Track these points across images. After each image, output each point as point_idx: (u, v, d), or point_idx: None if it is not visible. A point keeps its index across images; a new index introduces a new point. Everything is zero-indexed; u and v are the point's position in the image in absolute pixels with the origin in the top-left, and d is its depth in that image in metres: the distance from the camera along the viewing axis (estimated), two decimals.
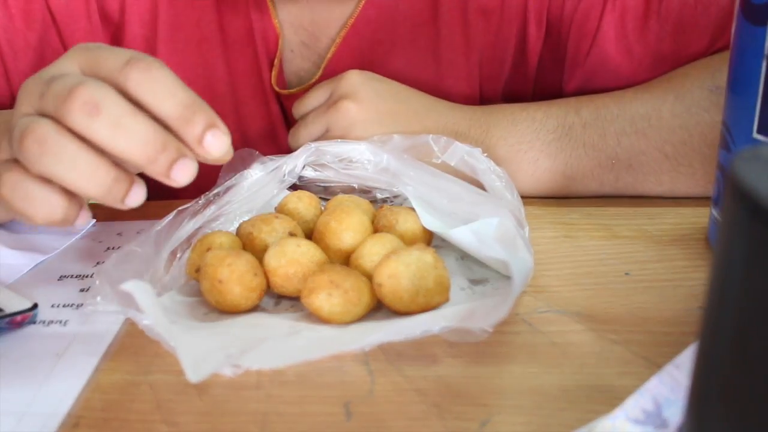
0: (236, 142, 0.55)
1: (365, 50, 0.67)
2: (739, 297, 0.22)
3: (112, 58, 0.36)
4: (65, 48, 0.64)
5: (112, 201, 0.35)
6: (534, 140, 0.59)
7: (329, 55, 0.67)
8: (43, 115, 0.35)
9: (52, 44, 0.64)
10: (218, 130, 0.36)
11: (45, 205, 0.35)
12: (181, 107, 0.35)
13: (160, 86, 0.35)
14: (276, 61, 0.67)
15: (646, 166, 0.58)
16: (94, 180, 0.34)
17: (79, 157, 0.34)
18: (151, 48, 0.65)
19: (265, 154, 0.53)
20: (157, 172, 0.35)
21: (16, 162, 0.36)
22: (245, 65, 0.67)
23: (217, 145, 0.36)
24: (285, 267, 0.43)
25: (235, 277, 0.42)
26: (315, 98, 0.63)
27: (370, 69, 0.64)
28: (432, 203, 0.49)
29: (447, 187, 0.50)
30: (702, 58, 0.63)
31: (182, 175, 0.35)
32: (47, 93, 0.35)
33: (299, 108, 0.64)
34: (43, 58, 0.64)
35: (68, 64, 0.37)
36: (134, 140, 0.34)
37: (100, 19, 0.64)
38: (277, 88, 0.68)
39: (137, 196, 0.35)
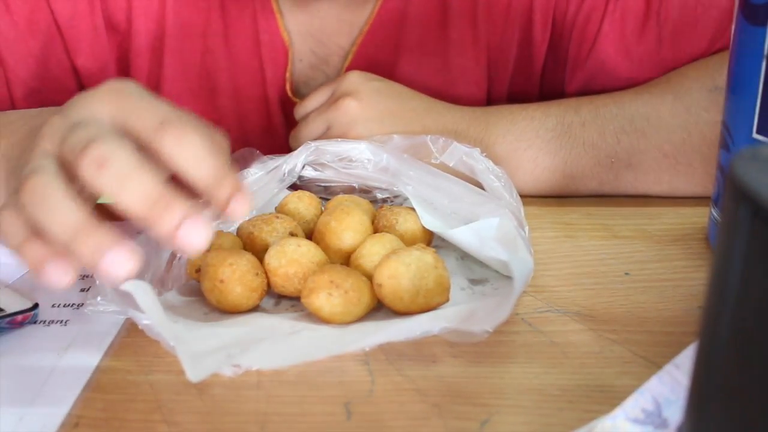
0: (237, 149, 0.55)
1: (379, 55, 0.67)
2: (739, 296, 0.22)
3: (148, 114, 0.36)
4: (70, 57, 0.64)
5: (87, 257, 0.34)
6: (533, 138, 0.59)
7: (347, 64, 0.67)
8: (62, 158, 0.35)
9: (55, 53, 0.64)
10: (241, 196, 0.37)
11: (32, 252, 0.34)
12: (212, 175, 0.35)
13: (193, 154, 0.35)
14: (287, 74, 0.67)
15: (646, 164, 0.58)
16: (84, 244, 0.34)
17: (71, 218, 0.34)
18: (157, 57, 0.65)
19: None
20: (163, 232, 0.34)
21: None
22: (251, 75, 0.67)
23: (240, 210, 0.37)
24: (285, 267, 0.43)
25: (236, 276, 0.42)
26: (316, 99, 0.63)
27: (383, 72, 0.64)
28: (432, 203, 0.49)
29: (447, 187, 0.50)
30: (701, 58, 0.63)
31: (190, 237, 0.34)
32: (68, 139, 0.35)
33: (300, 109, 0.64)
34: (45, 67, 0.64)
35: (99, 108, 0.37)
36: (137, 196, 0.33)
37: (105, 29, 0.64)
38: (294, 98, 0.68)
39: (119, 259, 0.34)
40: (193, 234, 0.34)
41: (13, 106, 0.63)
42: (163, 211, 0.34)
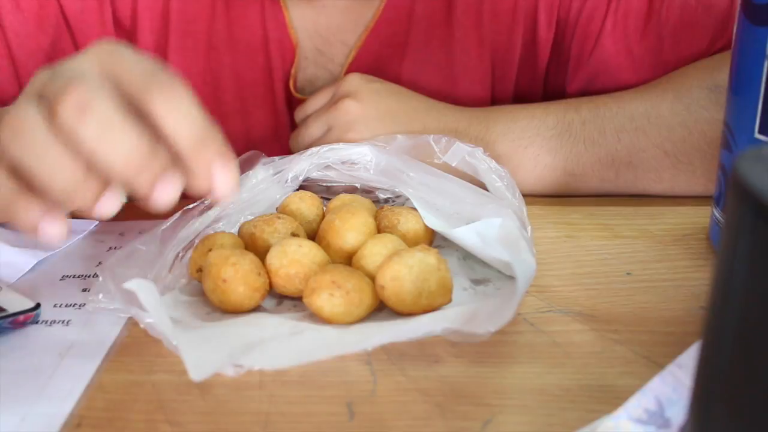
0: (242, 149, 0.55)
1: (383, 52, 0.67)
2: (743, 296, 0.22)
3: (136, 69, 0.35)
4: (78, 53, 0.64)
5: (80, 204, 0.33)
6: (534, 136, 0.59)
7: (350, 60, 0.67)
8: (44, 101, 0.33)
9: (64, 49, 0.64)
10: (228, 164, 0.35)
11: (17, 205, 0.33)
12: (197, 136, 0.34)
13: (181, 112, 0.34)
14: (293, 70, 0.67)
15: (646, 163, 0.58)
16: (61, 174, 0.32)
17: (50, 149, 0.32)
18: (161, 54, 0.65)
19: None
20: (139, 186, 0.33)
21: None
22: (256, 72, 0.67)
23: (224, 179, 0.35)
24: (286, 267, 0.43)
25: (239, 276, 0.42)
26: (316, 101, 0.63)
27: (387, 70, 0.64)
28: (434, 204, 0.49)
29: (449, 188, 0.50)
30: (702, 58, 0.63)
31: (165, 193, 0.33)
32: (49, 83, 0.33)
33: (300, 112, 0.64)
34: (55, 63, 0.64)
35: (88, 62, 0.35)
36: (120, 147, 0.32)
37: (113, 25, 0.64)
38: (297, 95, 0.67)
39: (109, 204, 0.33)
40: (165, 191, 0.33)
41: None
42: (144, 167, 0.32)
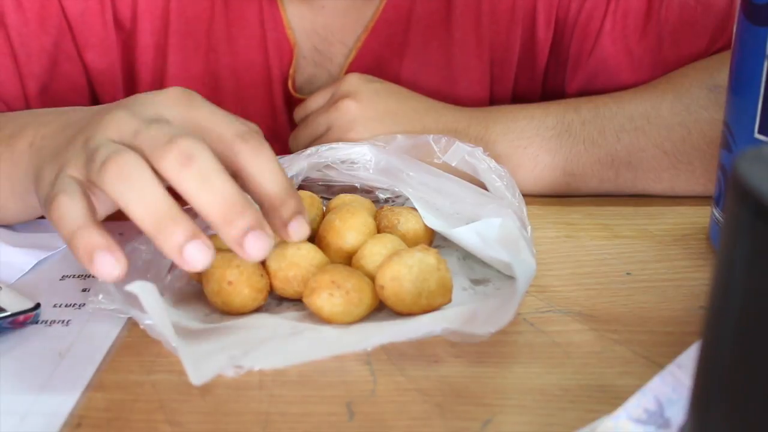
0: None
1: (383, 53, 0.67)
2: (742, 296, 0.22)
3: (222, 124, 0.38)
4: (79, 53, 0.64)
5: (167, 245, 0.35)
6: (533, 136, 0.59)
7: (350, 60, 0.67)
8: (138, 149, 0.37)
9: (66, 49, 0.64)
10: (303, 218, 0.39)
11: (87, 237, 0.35)
12: (281, 190, 0.38)
13: (268, 167, 0.37)
14: (292, 70, 0.67)
15: (646, 163, 0.58)
16: (155, 212, 0.35)
17: (146, 189, 0.35)
18: (161, 55, 0.65)
19: None
20: (231, 236, 0.36)
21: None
22: (254, 72, 0.67)
23: (299, 233, 0.39)
24: (285, 270, 0.43)
25: (244, 278, 0.42)
26: (315, 101, 0.63)
27: (386, 71, 0.64)
28: (434, 204, 0.49)
29: (449, 188, 0.50)
30: (702, 58, 0.63)
31: (255, 246, 0.36)
32: (144, 133, 0.36)
33: (300, 112, 0.64)
34: (56, 63, 0.64)
35: (169, 110, 0.39)
36: (217, 197, 0.35)
37: (114, 26, 0.64)
38: (296, 94, 0.68)
39: (198, 249, 0.35)
40: (257, 243, 0.36)
41: (26, 102, 0.63)
42: (237, 215, 0.35)
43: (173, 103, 0.39)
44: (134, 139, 0.37)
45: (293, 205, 0.38)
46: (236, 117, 0.40)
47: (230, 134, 0.38)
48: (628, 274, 0.47)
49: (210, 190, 0.35)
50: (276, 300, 0.45)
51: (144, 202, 0.35)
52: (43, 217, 0.55)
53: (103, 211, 0.39)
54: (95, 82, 0.66)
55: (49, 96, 0.64)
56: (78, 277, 0.49)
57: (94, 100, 0.68)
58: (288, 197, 0.38)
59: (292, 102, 0.68)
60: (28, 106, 0.64)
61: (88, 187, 0.38)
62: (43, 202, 0.40)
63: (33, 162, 0.45)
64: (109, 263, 0.35)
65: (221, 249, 0.44)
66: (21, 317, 0.43)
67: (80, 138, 0.39)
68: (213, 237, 0.46)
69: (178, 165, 0.35)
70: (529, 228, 0.47)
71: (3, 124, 0.51)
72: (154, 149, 0.36)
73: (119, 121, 0.38)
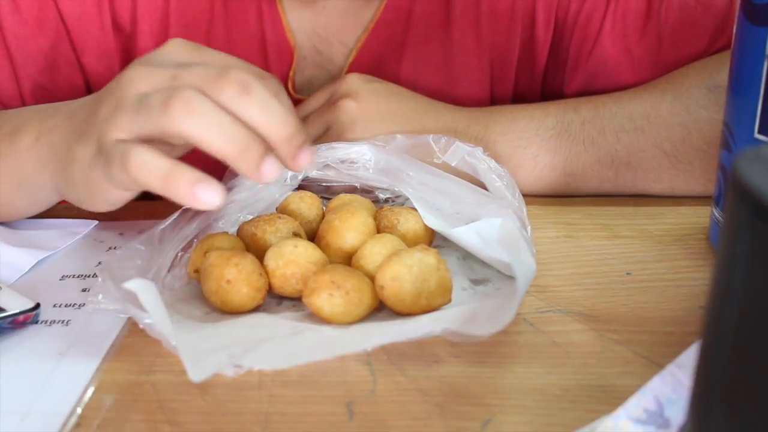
0: None
1: (383, 53, 0.67)
2: (742, 296, 0.22)
3: (231, 63, 0.42)
4: (77, 56, 0.64)
5: (249, 164, 0.38)
6: (533, 136, 0.59)
7: (350, 60, 0.67)
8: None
9: (63, 52, 0.64)
10: (309, 149, 0.41)
11: (184, 173, 0.37)
12: (289, 132, 0.39)
13: (276, 116, 0.39)
14: (291, 73, 0.67)
15: (645, 163, 0.58)
16: (233, 137, 0.37)
17: (220, 117, 0.37)
18: None
19: None
20: (289, 152, 0.39)
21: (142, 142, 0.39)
22: None
23: (305, 161, 0.41)
24: (283, 268, 0.43)
25: (243, 277, 0.42)
26: (315, 101, 0.63)
27: (386, 71, 0.64)
28: (434, 204, 0.49)
29: (449, 188, 0.50)
30: (701, 58, 0.63)
31: (306, 159, 0.40)
32: (186, 74, 0.39)
33: (300, 112, 0.64)
34: (54, 65, 0.64)
35: (183, 56, 0.41)
36: (278, 119, 0.38)
37: (112, 29, 0.64)
38: (296, 95, 0.67)
39: (272, 166, 0.38)
40: (308, 157, 0.40)
41: (22, 102, 0.64)
42: (295, 133, 0.39)
43: (183, 51, 0.42)
44: (175, 82, 0.39)
45: (298, 140, 0.40)
46: (234, 58, 0.43)
47: (236, 87, 0.40)
48: (628, 274, 0.47)
49: (271, 113, 0.38)
50: (276, 299, 0.45)
51: (221, 130, 0.37)
52: (43, 216, 0.55)
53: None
54: (93, 85, 0.66)
55: (46, 98, 0.64)
56: (78, 277, 0.49)
57: None
58: (294, 135, 0.40)
59: (292, 102, 0.68)
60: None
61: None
62: (86, 178, 0.41)
63: (46, 154, 0.46)
64: (211, 191, 0.37)
65: (220, 248, 0.44)
66: (21, 317, 0.43)
67: (105, 106, 0.40)
68: (213, 236, 0.46)
69: (238, 94, 0.38)
70: (529, 228, 0.47)
71: (2, 122, 0.51)
72: (208, 84, 0.38)
73: (146, 74, 0.40)
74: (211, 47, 0.65)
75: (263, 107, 0.38)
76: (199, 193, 0.37)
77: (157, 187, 0.37)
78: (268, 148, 0.39)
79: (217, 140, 0.37)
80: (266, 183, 0.39)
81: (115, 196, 0.42)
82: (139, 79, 0.40)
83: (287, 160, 0.40)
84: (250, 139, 0.38)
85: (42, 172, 0.47)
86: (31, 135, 0.47)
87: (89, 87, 0.66)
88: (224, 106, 0.38)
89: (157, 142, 0.39)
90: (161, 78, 0.39)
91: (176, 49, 0.42)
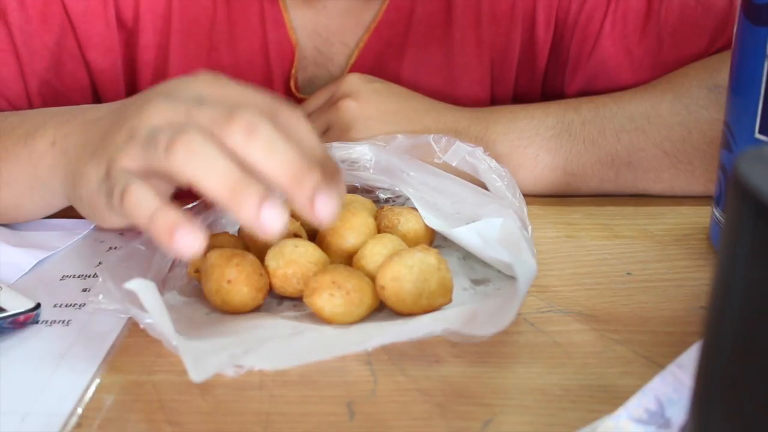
0: None
1: (384, 53, 0.67)
2: (743, 296, 0.22)
3: (256, 100, 0.40)
4: (82, 52, 0.64)
5: (245, 210, 0.36)
6: (534, 136, 0.59)
7: (352, 60, 0.67)
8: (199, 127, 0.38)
9: (68, 47, 0.64)
10: (327, 195, 0.38)
11: (166, 217, 0.36)
12: (290, 175, 0.37)
13: (279, 159, 0.37)
14: (293, 70, 0.67)
15: (646, 162, 0.58)
16: (229, 182, 0.36)
17: (218, 162, 0.36)
18: (162, 55, 0.65)
19: None
20: (302, 198, 0.36)
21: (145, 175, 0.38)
22: (256, 72, 0.67)
23: (326, 211, 0.38)
24: (283, 268, 0.43)
25: (243, 277, 0.42)
26: (315, 101, 0.63)
27: (387, 71, 0.64)
28: (435, 204, 0.49)
29: (450, 188, 0.50)
30: (702, 58, 0.63)
31: (325, 207, 0.36)
32: (198, 113, 0.38)
33: (300, 111, 0.64)
34: (59, 61, 0.64)
35: (204, 90, 0.40)
36: (285, 162, 0.36)
37: (116, 24, 0.64)
38: (298, 94, 0.68)
39: (273, 213, 0.36)
40: (328, 202, 0.37)
41: (29, 99, 0.63)
42: (306, 177, 0.37)
43: (206, 85, 0.41)
44: (188, 120, 0.38)
45: (308, 185, 0.38)
46: (257, 93, 0.41)
47: (266, 109, 0.40)
48: (628, 274, 0.47)
49: (278, 156, 0.37)
50: (276, 299, 0.45)
51: (217, 174, 0.36)
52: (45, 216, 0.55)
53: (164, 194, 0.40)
54: (97, 81, 0.66)
55: (52, 95, 0.65)
56: (78, 277, 0.49)
57: (97, 99, 0.68)
58: (300, 179, 0.38)
59: (293, 101, 0.68)
60: (30, 103, 0.64)
61: (146, 175, 0.39)
62: (91, 198, 0.41)
63: (59, 162, 0.46)
64: (189, 238, 0.36)
65: (221, 247, 0.44)
66: (21, 317, 0.43)
67: (121, 131, 0.40)
68: (213, 236, 0.46)
69: (244, 136, 0.37)
70: (529, 228, 0.47)
71: (17, 123, 0.51)
72: (216, 125, 0.37)
73: (163, 107, 0.39)
74: (213, 44, 0.66)
75: (267, 149, 0.37)
76: (177, 238, 0.36)
77: (142, 225, 0.37)
78: (270, 194, 0.37)
79: (212, 184, 0.36)
80: (270, 234, 0.36)
81: (113, 221, 0.42)
82: (157, 111, 0.40)
83: (304, 207, 0.37)
84: (246, 184, 0.36)
85: (54, 177, 0.47)
86: (47, 140, 0.47)
87: (93, 83, 0.66)
88: (231, 149, 0.37)
89: (162, 175, 0.39)
90: (175, 114, 0.39)
91: (201, 82, 0.42)
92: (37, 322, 0.43)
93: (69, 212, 0.56)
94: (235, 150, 0.37)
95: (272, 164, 0.37)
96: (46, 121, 0.49)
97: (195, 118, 0.38)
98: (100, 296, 0.41)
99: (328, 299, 0.41)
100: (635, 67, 0.65)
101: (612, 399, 0.35)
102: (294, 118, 0.39)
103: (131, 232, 0.55)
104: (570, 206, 0.58)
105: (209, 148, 0.36)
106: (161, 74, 0.66)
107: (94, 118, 0.46)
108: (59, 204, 0.51)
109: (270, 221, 0.36)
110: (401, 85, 0.64)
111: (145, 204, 0.37)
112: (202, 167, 0.36)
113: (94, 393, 0.37)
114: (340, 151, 0.53)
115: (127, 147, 0.39)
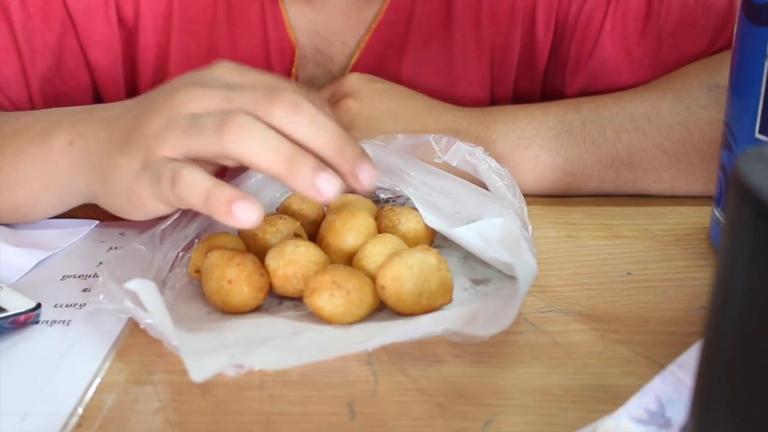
0: None
1: (384, 53, 0.67)
2: (743, 296, 0.22)
3: (275, 84, 0.44)
4: (82, 50, 0.64)
5: (302, 180, 0.39)
6: (534, 136, 0.59)
7: (353, 60, 0.67)
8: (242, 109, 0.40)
9: (69, 45, 0.64)
10: (367, 165, 0.41)
11: (223, 193, 0.39)
12: (336, 150, 0.41)
13: (327, 136, 0.41)
14: (293, 70, 0.67)
15: (646, 162, 0.58)
16: (284, 156, 0.39)
17: (271, 138, 0.39)
18: (163, 54, 0.65)
19: None
20: (345, 165, 0.40)
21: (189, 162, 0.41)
22: None
23: (368, 179, 0.42)
24: (284, 268, 0.43)
25: (244, 276, 0.42)
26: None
27: (387, 71, 0.64)
28: (435, 204, 0.49)
29: (450, 188, 0.50)
30: (702, 58, 0.63)
31: (367, 173, 0.41)
32: (237, 97, 0.41)
33: None
34: (60, 59, 0.64)
35: (229, 77, 0.43)
36: (329, 135, 0.40)
37: (117, 23, 0.64)
38: None
39: (328, 181, 0.39)
40: (369, 170, 0.41)
41: (30, 98, 0.64)
42: (348, 148, 0.40)
43: (229, 72, 0.44)
44: (228, 104, 0.40)
45: (350, 157, 0.41)
46: (277, 78, 0.45)
47: (284, 107, 0.41)
48: (628, 274, 0.47)
49: (322, 130, 0.40)
50: (277, 299, 0.45)
51: (271, 149, 0.39)
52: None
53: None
54: (98, 79, 0.66)
55: (53, 93, 0.65)
56: (78, 276, 0.49)
57: (98, 98, 0.68)
58: (344, 152, 0.41)
59: None
60: (31, 102, 0.64)
61: (188, 161, 0.41)
62: (130, 190, 0.43)
63: (81, 160, 0.47)
64: (247, 209, 0.38)
65: (221, 247, 0.44)
66: (22, 317, 0.43)
67: (154, 122, 0.42)
68: (214, 236, 0.46)
69: (288, 114, 0.40)
70: (530, 228, 0.47)
71: (31, 123, 0.51)
72: (258, 106, 0.40)
73: (199, 96, 0.41)
74: (213, 44, 0.66)
75: (313, 124, 0.40)
76: (236, 211, 0.38)
77: (198, 206, 0.39)
78: (323, 164, 0.40)
79: (268, 160, 0.39)
80: (327, 199, 0.39)
81: (156, 210, 0.43)
82: (192, 99, 0.41)
83: (348, 177, 0.40)
84: (299, 156, 0.39)
85: (75, 176, 0.48)
86: (63, 139, 0.48)
87: (94, 81, 0.66)
88: (276, 127, 0.40)
89: (200, 160, 0.41)
90: (213, 100, 0.41)
91: (224, 70, 0.44)
92: (37, 322, 0.44)
93: (69, 212, 0.56)
94: (281, 127, 0.40)
95: (318, 138, 0.40)
96: (60, 120, 0.49)
97: (236, 102, 0.40)
98: (101, 296, 0.41)
99: (328, 299, 0.41)
100: (635, 67, 0.65)
101: (612, 399, 0.35)
102: (319, 99, 0.43)
103: (132, 232, 0.55)
104: (570, 206, 0.58)
105: (259, 127, 0.39)
106: (161, 73, 0.66)
107: (112, 115, 0.47)
108: (74, 202, 0.52)
109: (326, 187, 0.39)
110: (401, 84, 0.64)
111: (200, 184, 0.39)
112: (257, 145, 0.39)
113: (95, 393, 0.37)
114: None
115: (166, 136, 0.41)
